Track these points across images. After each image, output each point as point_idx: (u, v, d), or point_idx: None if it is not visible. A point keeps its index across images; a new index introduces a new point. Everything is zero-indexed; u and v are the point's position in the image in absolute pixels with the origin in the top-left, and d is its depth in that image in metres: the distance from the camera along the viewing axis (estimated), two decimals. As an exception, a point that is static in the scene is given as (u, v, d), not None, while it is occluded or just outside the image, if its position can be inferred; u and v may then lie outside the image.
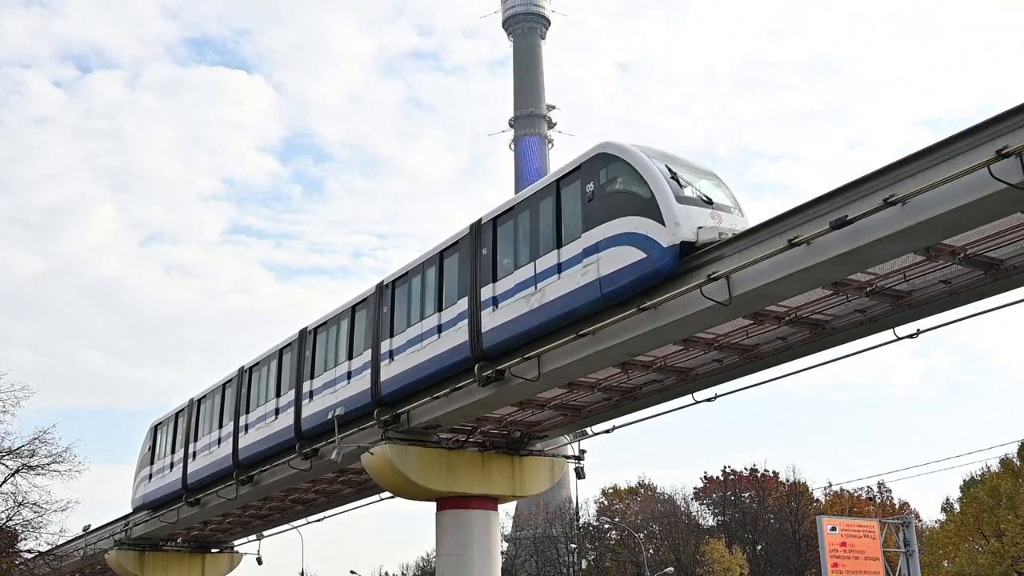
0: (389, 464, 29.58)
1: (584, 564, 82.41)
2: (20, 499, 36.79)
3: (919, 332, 21.61)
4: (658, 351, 24.19)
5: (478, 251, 26.44)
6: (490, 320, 25.51)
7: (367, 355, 30.43)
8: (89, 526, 53.30)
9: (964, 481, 63.65)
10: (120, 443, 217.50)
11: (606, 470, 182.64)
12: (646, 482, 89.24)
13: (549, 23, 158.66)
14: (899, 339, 21.72)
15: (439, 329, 27.49)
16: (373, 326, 30.35)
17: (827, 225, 17.74)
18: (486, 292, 25.79)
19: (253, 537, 49.05)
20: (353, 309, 31.90)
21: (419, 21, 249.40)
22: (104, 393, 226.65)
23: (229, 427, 37.77)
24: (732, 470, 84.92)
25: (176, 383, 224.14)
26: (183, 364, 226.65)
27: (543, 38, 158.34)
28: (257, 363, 37.00)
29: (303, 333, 34.14)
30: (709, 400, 26.09)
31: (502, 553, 53.60)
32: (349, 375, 31.22)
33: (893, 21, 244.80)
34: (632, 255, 21.20)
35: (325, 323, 33.29)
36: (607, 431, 29.92)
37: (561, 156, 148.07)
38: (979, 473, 61.91)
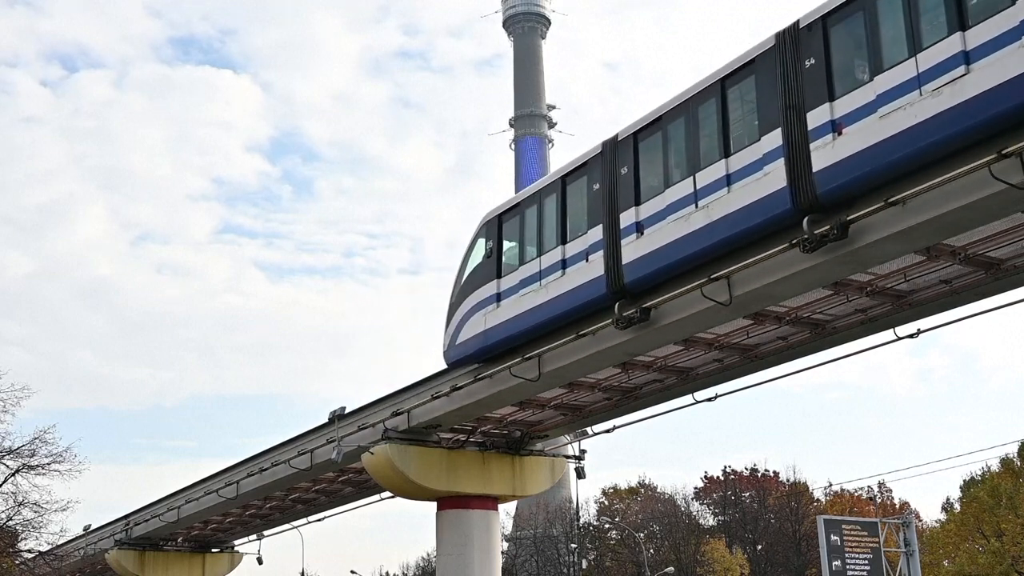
0: (389, 464, 29.59)
1: (584, 564, 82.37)
2: (20, 499, 36.72)
3: (919, 332, 21.67)
4: (658, 351, 24.23)
5: None
6: None
7: None
8: (89, 526, 53.41)
9: (964, 481, 63.67)
10: (117, 443, 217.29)
11: (606, 470, 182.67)
12: (646, 482, 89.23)
13: (549, 23, 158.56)
14: (899, 339, 21.80)
15: None
16: None
17: (828, 225, 17.74)
18: None
19: (253, 537, 49.11)
20: None
21: (405, 21, 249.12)
22: (97, 393, 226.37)
23: (772, 140, 19.00)
24: (732, 470, 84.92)
25: (170, 383, 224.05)
26: (176, 364, 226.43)
27: (543, 38, 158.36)
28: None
29: None
30: (709, 400, 26.16)
31: (502, 553, 53.64)
32: None
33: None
34: None
35: None
36: (607, 431, 29.97)
37: (562, 156, 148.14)
38: (979, 473, 61.93)
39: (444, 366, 28.98)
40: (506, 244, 26.28)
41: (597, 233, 22.66)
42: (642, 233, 21.58)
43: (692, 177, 20.53)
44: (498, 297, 25.73)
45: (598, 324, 22.81)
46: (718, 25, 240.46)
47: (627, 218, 21.97)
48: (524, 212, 25.68)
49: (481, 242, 27.16)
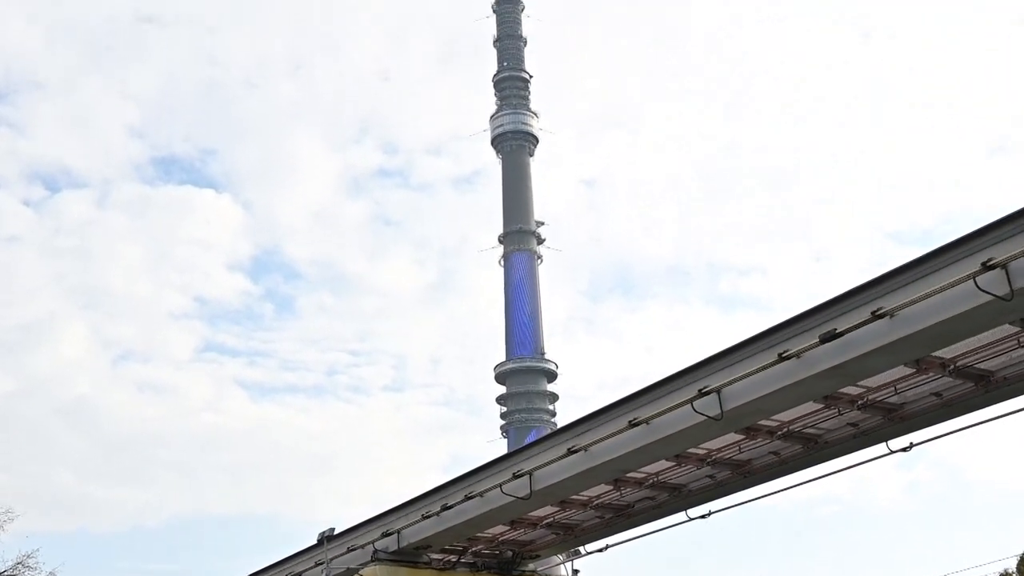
0: (379, 586, 29.02)
1: None
2: (3, 628, 35.91)
3: (912, 445, 21.50)
4: (650, 467, 24.01)
5: None
6: None
7: None
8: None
9: (965, 597, 62.58)
10: (99, 567, 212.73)
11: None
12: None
13: (537, 140, 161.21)
14: (892, 452, 21.61)
15: None
16: None
17: (816, 338, 17.76)
18: None
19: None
20: None
21: (383, 139, 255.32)
22: (77, 514, 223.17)
23: None
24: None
25: (151, 503, 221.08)
26: (157, 484, 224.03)
27: (531, 155, 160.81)
28: None
29: None
30: (703, 517, 25.80)
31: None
32: None
33: (843, 132, 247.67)
34: None
35: None
36: (600, 550, 29.54)
37: (550, 271, 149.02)
38: (980, 588, 60.91)
39: (429, 487, 28.72)
40: None
41: None
42: None
43: None
44: None
45: None
46: (685, 140, 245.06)
47: None
48: None
49: None
